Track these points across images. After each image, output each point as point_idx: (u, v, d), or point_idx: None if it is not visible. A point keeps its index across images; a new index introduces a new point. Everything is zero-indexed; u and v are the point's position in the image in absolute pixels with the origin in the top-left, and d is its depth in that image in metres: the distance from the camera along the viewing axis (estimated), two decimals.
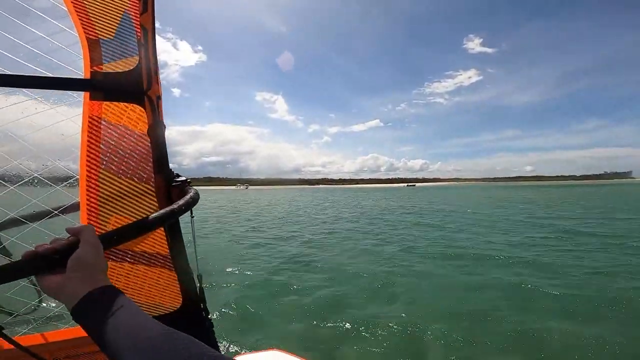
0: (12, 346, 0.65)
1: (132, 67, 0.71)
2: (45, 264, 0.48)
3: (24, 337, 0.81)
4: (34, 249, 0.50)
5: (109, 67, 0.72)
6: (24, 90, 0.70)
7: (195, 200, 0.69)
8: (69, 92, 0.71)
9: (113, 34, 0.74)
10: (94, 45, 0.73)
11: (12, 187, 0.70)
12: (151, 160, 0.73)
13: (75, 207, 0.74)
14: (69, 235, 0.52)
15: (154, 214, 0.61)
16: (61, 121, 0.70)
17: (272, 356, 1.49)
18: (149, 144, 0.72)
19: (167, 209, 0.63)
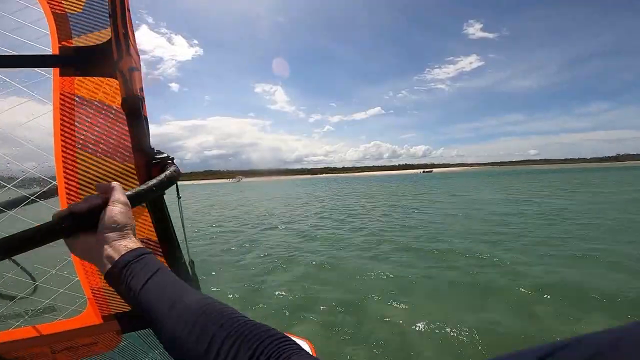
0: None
1: (106, 40, 0.68)
2: (78, 224, 0.46)
3: (16, 330, 0.78)
4: (64, 208, 0.47)
5: (79, 41, 0.68)
6: None
7: (172, 178, 0.63)
8: (38, 70, 0.67)
9: (81, 8, 0.70)
10: (61, 20, 0.69)
11: None
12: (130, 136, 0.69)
13: (53, 192, 0.69)
14: (97, 193, 0.50)
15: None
16: (28, 101, 0.66)
17: None
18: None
19: (135, 189, 0.56)
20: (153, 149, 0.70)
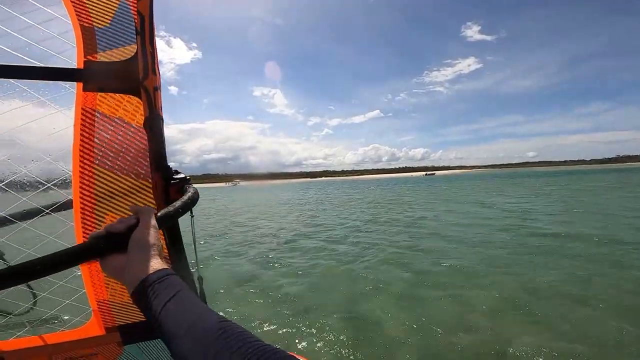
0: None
1: (129, 57, 0.67)
2: (114, 244, 0.48)
3: (21, 339, 0.78)
4: (99, 229, 0.50)
5: (104, 56, 0.68)
6: (10, 81, 0.66)
7: (194, 200, 0.65)
8: (61, 83, 0.67)
9: (109, 22, 0.70)
10: (88, 34, 0.69)
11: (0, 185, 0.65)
12: (148, 154, 0.69)
13: (68, 205, 0.69)
14: (129, 216, 0.53)
15: None
16: (52, 113, 0.66)
17: None
18: (146, 138, 0.68)
19: (163, 211, 0.58)
20: (171, 168, 0.69)
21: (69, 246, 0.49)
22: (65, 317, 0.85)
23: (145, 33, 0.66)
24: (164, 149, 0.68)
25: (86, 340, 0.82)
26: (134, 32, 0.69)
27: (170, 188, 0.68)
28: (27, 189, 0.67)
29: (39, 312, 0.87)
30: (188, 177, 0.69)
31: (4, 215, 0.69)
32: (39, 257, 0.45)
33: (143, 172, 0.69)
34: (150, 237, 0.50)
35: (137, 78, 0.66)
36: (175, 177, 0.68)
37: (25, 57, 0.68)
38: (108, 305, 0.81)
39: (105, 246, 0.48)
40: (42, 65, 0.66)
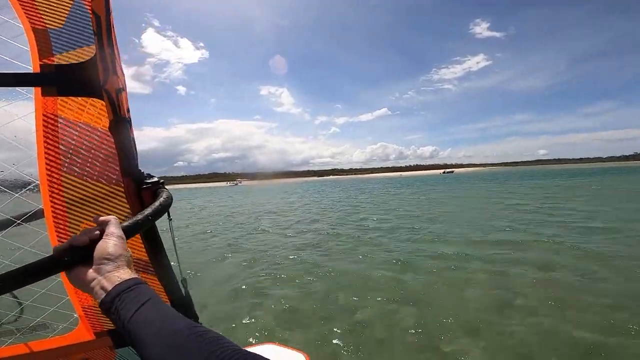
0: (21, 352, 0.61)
1: (88, 58, 0.65)
2: (78, 256, 0.48)
3: (8, 347, 0.78)
4: (64, 242, 0.50)
5: (61, 59, 0.65)
6: None
7: (165, 206, 0.64)
8: (18, 89, 0.64)
9: (63, 23, 0.67)
10: (41, 36, 0.66)
11: None
12: (117, 159, 0.67)
13: (39, 214, 0.68)
14: (94, 226, 0.52)
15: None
16: (11, 121, 0.63)
17: (268, 350, 1.49)
18: (113, 142, 0.67)
19: (129, 221, 0.57)
20: (142, 172, 0.68)
21: (39, 258, 0.48)
22: (54, 324, 0.85)
23: (102, 33, 0.63)
24: (134, 152, 0.67)
25: (77, 346, 0.82)
26: (91, 32, 0.67)
27: (143, 193, 0.67)
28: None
29: (27, 320, 0.87)
30: (161, 181, 0.68)
31: None
32: (2, 273, 0.45)
33: (115, 177, 0.68)
34: (116, 247, 0.49)
35: (98, 80, 0.63)
36: (147, 181, 0.67)
37: None
38: (94, 311, 0.81)
39: (69, 260, 0.48)
40: None
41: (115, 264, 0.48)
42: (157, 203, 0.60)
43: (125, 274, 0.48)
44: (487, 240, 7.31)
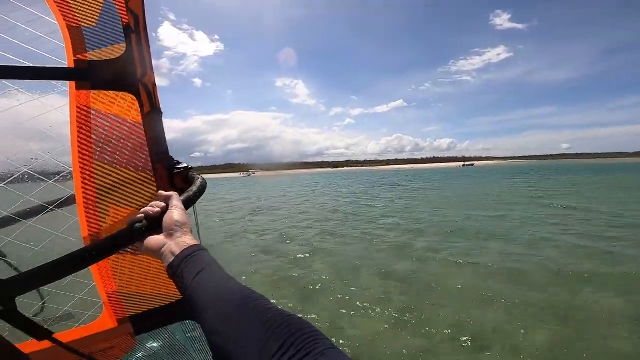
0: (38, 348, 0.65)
1: (118, 55, 0.70)
2: (151, 225, 0.54)
3: (33, 341, 0.80)
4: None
5: (93, 55, 0.70)
6: (3, 81, 0.68)
7: (205, 185, 0.72)
8: (55, 83, 0.69)
9: (95, 22, 0.71)
10: (75, 33, 0.70)
11: (1, 184, 0.68)
12: (147, 148, 0.72)
13: (71, 201, 0.72)
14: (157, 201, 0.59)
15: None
16: (47, 112, 0.68)
17: None
18: (143, 132, 0.71)
19: (185, 195, 0.65)
20: (173, 159, 0.73)
21: (70, 242, 0.53)
22: (79, 312, 0.88)
23: (140, 32, 0.68)
24: (165, 141, 0.72)
25: (100, 334, 0.85)
26: (122, 31, 0.71)
27: (175, 177, 0.72)
28: (30, 187, 0.69)
29: (52, 310, 0.89)
30: (190, 167, 0.73)
31: (8, 214, 0.71)
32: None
33: (141, 164, 0.72)
34: (181, 216, 0.56)
35: (135, 76, 0.68)
36: (178, 166, 0.73)
37: (15, 58, 0.69)
38: (117, 297, 0.85)
39: (146, 229, 0.54)
40: (34, 65, 0.68)
41: (182, 230, 0.54)
42: (198, 183, 0.66)
43: (190, 240, 0.53)
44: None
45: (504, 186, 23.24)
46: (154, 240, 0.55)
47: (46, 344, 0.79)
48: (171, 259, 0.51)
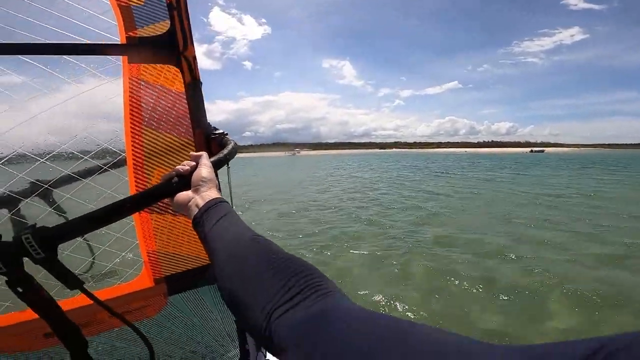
0: (81, 304, 0.72)
1: (164, 31, 0.78)
2: (183, 181, 0.59)
3: (79, 297, 0.81)
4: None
5: (142, 32, 0.79)
6: (65, 57, 0.77)
7: (235, 149, 0.78)
8: (110, 58, 0.78)
9: (143, 1, 0.80)
10: (126, 12, 0.79)
11: (63, 146, 0.78)
12: (188, 115, 0.81)
13: (122, 162, 0.82)
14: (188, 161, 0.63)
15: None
16: (103, 84, 0.77)
17: None
18: (186, 101, 0.80)
19: (215, 157, 0.69)
20: (210, 125, 0.81)
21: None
22: (122, 270, 0.94)
23: (181, 8, 0.76)
24: (204, 108, 0.80)
25: (138, 293, 0.90)
26: (166, 9, 0.80)
27: (212, 142, 0.81)
28: (90, 150, 0.79)
29: (98, 267, 0.95)
30: (226, 133, 0.82)
31: (69, 173, 0.81)
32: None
33: (184, 130, 0.81)
34: (208, 173, 0.60)
35: (178, 50, 0.77)
36: (214, 132, 0.81)
37: (74, 36, 0.78)
38: (156, 256, 0.92)
39: (177, 185, 0.59)
40: (91, 42, 0.77)
41: (207, 185, 0.58)
42: (230, 147, 0.73)
43: (214, 194, 0.58)
44: None
45: (613, 184, 15.37)
46: (182, 195, 0.58)
47: (82, 301, 0.83)
48: (195, 211, 0.53)
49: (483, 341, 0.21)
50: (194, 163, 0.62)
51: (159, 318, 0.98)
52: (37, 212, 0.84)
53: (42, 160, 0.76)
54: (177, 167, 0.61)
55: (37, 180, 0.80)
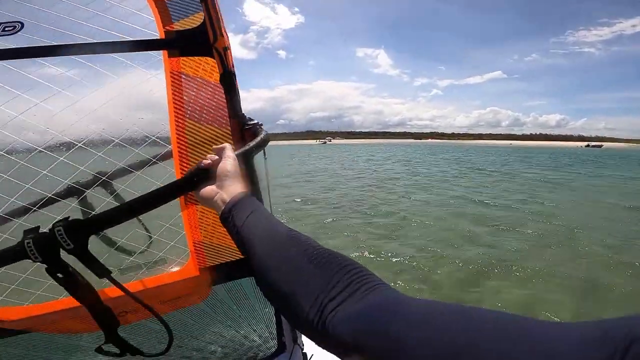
0: (119, 293, 0.73)
1: (199, 23, 0.79)
2: (204, 175, 0.60)
3: (129, 284, 0.85)
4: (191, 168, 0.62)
5: (178, 25, 0.80)
6: (111, 55, 0.81)
7: (265, 140, 0.79)
8: (151, 53, 0.81)
9: None
10: (161, 7, 0.81)
11: (117, 140, 0.84)
12: (226, 106, 0.83)
13: (169, 155, 0.87)
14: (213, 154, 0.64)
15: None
16: (149, 78, 0.81)
17: None
18: (223, 92, 0.82)
19: (242, 149, 0.72)
20: (245, 115, 0.84)
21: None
22: (170, 259, 1.00)
23: (208, 1, 0.77)
24: (239, 99, 0.82)
25: (185, 281, 0.94)
26: (198, 1, 0.80)
27: (245, 132, 0.83)
28: (138, 143, 0.85)
29: (150, 255, 0.99)
30: (260, 123, 0.84)
31: (123, 165, 0.88)
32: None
33: (224, 121, 0.84)
34: (232, 166, 0.59)
35: (210, 41, 0.78)
36: (248, 123, 0.83)
37: (114, 33, 0.82)
38: (202, 247, 0.94)
39: (197, 179, 0.60)
40: (132, 39, 0.80)
41: (231, 179, 0.58)
42: (259, 138, 0.75)
43: (239, 188, 0.57)
44: None
45: None
46: (207, 190, 0.58)
47: (134, 287, 0.84)
48: (222, 206, 0.54)
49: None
50: (216, 157, 0.62)
51: (203, 307, 1.04)
52: (100, 202, 0.92)
53: (99, 154, 0.83)
54: (199, 162, 0.62)
55: (99, 173, 0.88)
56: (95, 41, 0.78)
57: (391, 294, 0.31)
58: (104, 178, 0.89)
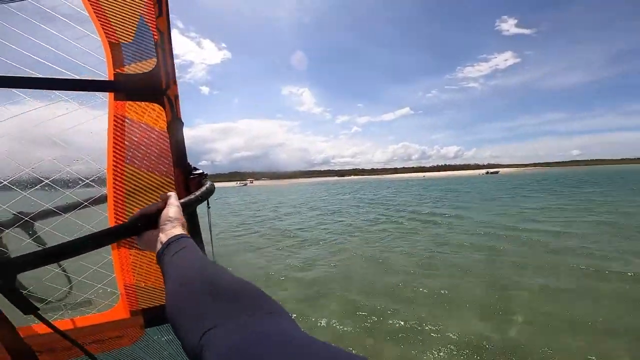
0: (47, 330, 0.72)
1: (151, 69, 0.77)
2: (148, 222, 0.60)
3: (56, 322, 0.84)
4: (135, 213, 0.61)
5: (130, 69, 0.78)
6: (55, 92, 0.77)
7: (211, 191, 0.76)
8: (96, 93, 0.77)
9: (132, 38, 0.79)
10: (115, 49, 0.79)
11: (47, 181, 0.77)
12: (170, 154, 0.79)
13: (102, 199, 0.80)
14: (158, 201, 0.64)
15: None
16: (89, 120, 0.76)
17: None
18: (168, 140, 0.78)
19: (186, 198, 0.69)
20: (190, 165, 0.79)
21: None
22: (97, 301, 0.94)
23: (165, 48, 0.75)
24: (184, 148, 0.78)
25: (112, 323, 0.90)
26: (153, 46, 0.79)
27: (190, 182, 0.78)
28: (70, 185, 0.78)
29: (74, 296, 0.95)
30: (205, 173, 0.79)
31: (50, 207, 0.80)
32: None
33: (165, 169, 0.79)
34: (175, 213, 0.60)
35: (161, 88, 0.75)
36: (194, 172, 0.79)
37: (63, 70, 0.79)
38: (134, 289, 0.91)
39: (141, 225, 0.59)
40: (79, 77, 0.77)
41: (173, 224, 0.58)
42: (204, 188, 0.71)
43: (178, 231, 0.57)
44: None
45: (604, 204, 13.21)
46: (148, 234, 0.60)
47: (64, 324, 0.85)
48: (159, 246, 0.54)
49: None
50: (161, 203, 0.62)
51: (134, 348, 0.98)
52: (19, 243, 0.83)
53: (24, 193, 0.76)
54: (143, 208, 0.61)
55: (20, 212, 0.80)
56: (40, 76, 0.74)
57: (276, 325, 0.31)
58: (26, 219, 0.80)
